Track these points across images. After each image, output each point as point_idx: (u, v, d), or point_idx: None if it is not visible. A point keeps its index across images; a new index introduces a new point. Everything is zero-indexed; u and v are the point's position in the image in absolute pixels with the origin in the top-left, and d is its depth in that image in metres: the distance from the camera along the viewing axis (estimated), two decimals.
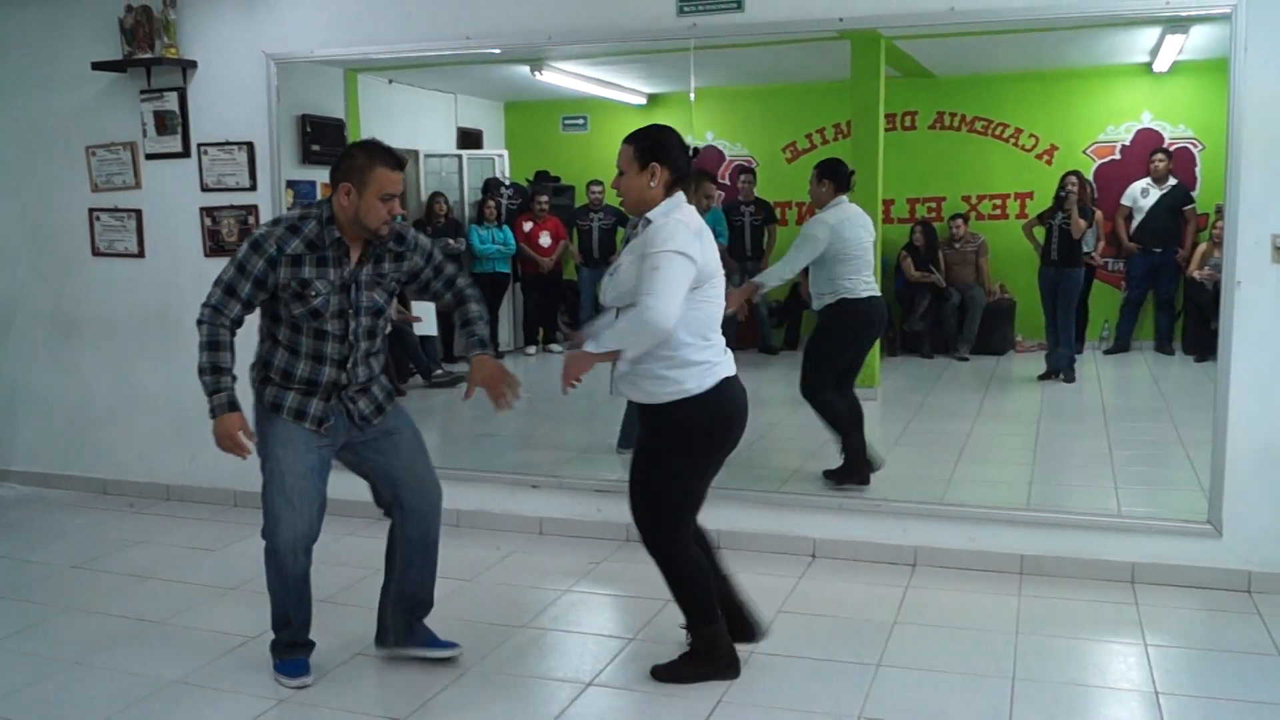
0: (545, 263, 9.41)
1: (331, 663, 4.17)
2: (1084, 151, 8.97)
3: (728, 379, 3.68)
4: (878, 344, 7.37)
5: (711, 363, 3.63)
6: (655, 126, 3.71)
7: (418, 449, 4.07)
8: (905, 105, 9.06)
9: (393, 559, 4.09)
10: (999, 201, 9.26)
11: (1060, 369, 8.02)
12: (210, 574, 5.23)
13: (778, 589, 4.82)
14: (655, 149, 3.62)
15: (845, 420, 5.72)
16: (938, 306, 9.05)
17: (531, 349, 9.75)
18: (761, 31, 5.12)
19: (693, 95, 5.58)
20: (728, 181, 9.27)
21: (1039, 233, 8.27)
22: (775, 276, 6.03)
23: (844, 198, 5.79)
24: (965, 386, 8.54)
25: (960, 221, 9.10)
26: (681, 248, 3.47)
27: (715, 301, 3.65)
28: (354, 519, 5.39)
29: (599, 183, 8.95)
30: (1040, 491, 5.73)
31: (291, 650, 4.06)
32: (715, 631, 3.89)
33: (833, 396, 5.78)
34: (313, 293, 3.75)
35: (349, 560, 5.20)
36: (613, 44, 5.69)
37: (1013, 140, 9.12)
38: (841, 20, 4.93)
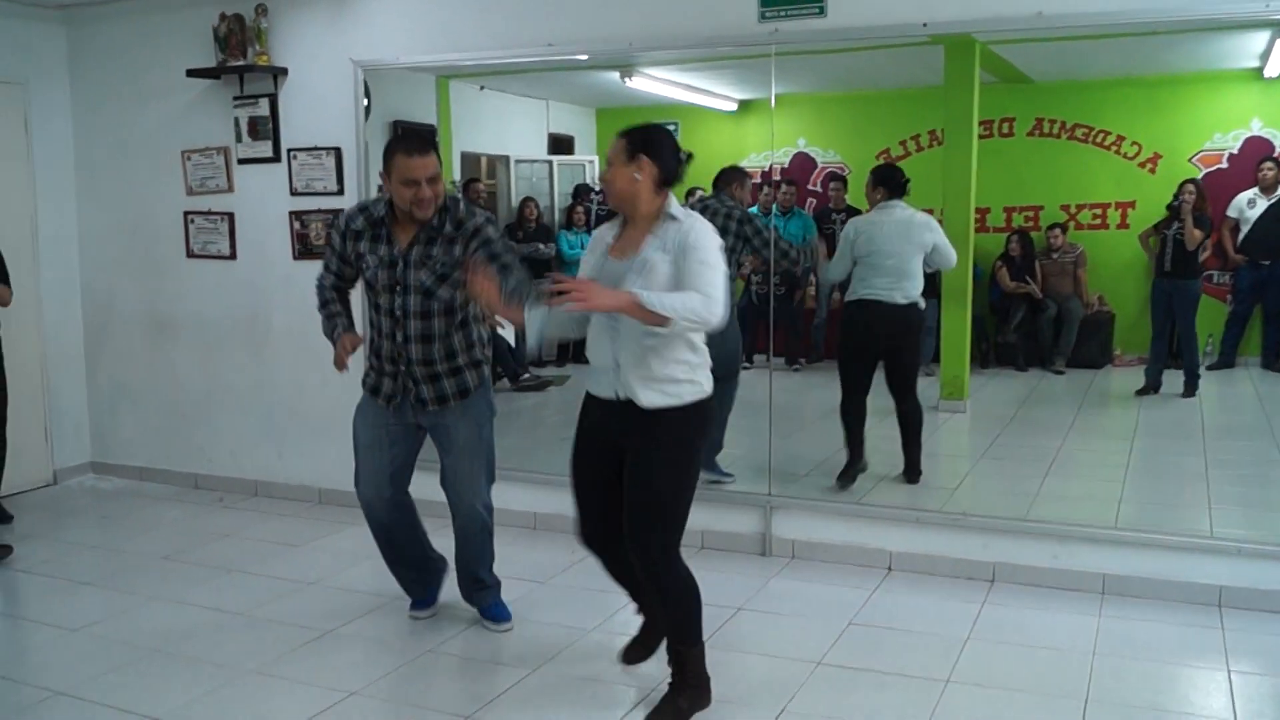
0: None
1: (402, 659, 4.25)
2: (1189, 160, 8.68)
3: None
4: (966, 355, 7.29)
5: (707, 363, 3.63)
6: (651, 125, 3.63)
7: (467, 452, 4.29)
8: (1003, 111, 8.88)
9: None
10: (1099, 211, 9.01)
11: (1158, 384, 7.81)
12: (293, 568, 5.35)
13: (851, 601, 4.76)
14: (646, 144, 3.54)
15: (846, 422, 5.94)
16: (1033, 318, 8.85)
17: None
18: (844, 37, 5.06)
19: (774, 101, 5.53)
20: (819, 188, 9.18)
21: (1154, 243, 8.05)
22: (823, 274, 6.33)
23: (897, 201, 5.95)
24: (1059, 401, 8.33)
25: (1058, 231, 8.88)
26: (716, 240, 3.49)
27: None
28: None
29: (696, 189, 8.91)
30: (1129, 510, 5.55)
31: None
32: (702, 650, 3.76)
33: (846, 399, 5.94)
34: (364, 265, 4.13)
35: None
36: (695, 50, 5.68)
37: (1114, 148, 8.87)
38: (926, 25, 4.87)
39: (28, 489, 6.75)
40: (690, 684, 3.71)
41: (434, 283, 4.08)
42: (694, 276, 3.39)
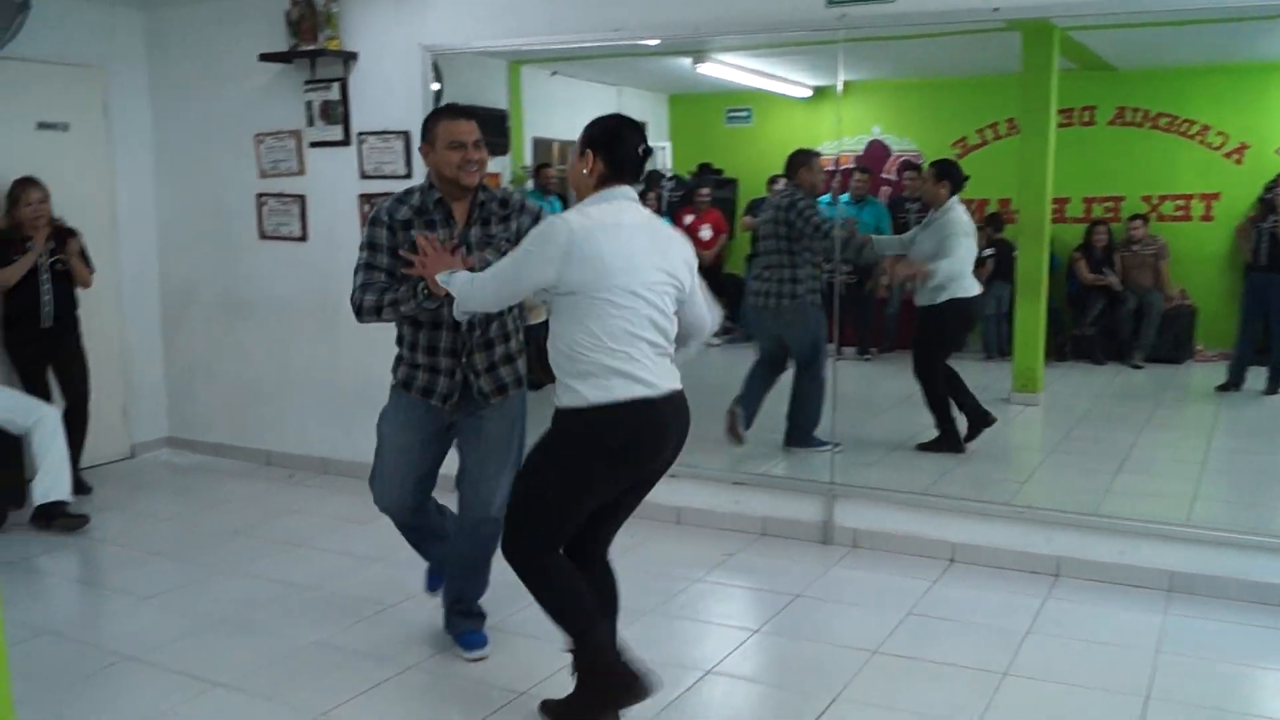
0: (705, 256, 9.36)
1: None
2: (1277, 150, 8.45)
3: (641, 400, 3.27)
4: (1040, 347, 7.22)
5: (619, 378, 3.25)
6: (611, 117, 3.42)
7: (497, 449, 3.98)
8: (1084, 100, 8.72)
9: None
10: (1182, 202, 8.81)
11: (1240, 380, 7.62)
12: (358, 544, 5.43)
13: (911, 591, 4.71)
14: (595, 138, 3.36)
15: (945, 404, 6.23)
16: (1112, 311, 8.69)
17: None
18: (913, 22, 4.98)
19: (841, 88, 5.47)
20: (894, 176, 9.09)
21: (1250, 236, 7.84)
22: (945, 273, 6.20)
23: (956, 198, 6.20)
24: (1136, 395, 8.18)
25: (1139, 222, 8.70)
26: (539, 246, 3.26)
27: (633, 310, 3.26)
28: None
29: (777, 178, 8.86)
30: (1202, 508, 5.43)
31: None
32: (591, 647, 3.43)
33: (942, 384, 6.24)
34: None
35: None
36: (762, 35, 5.64)
37: (1199, 138, 8.67)
38: (997, 10, 4.77)
39: (106, 462, 6.91)
40: (583, 679, 3.47)
41: (497, 259, 3.82)
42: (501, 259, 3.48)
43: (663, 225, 3.45)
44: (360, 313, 3.88)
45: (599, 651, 3.42)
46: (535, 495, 3.41)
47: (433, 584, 4.47)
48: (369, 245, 3.92)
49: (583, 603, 3.44)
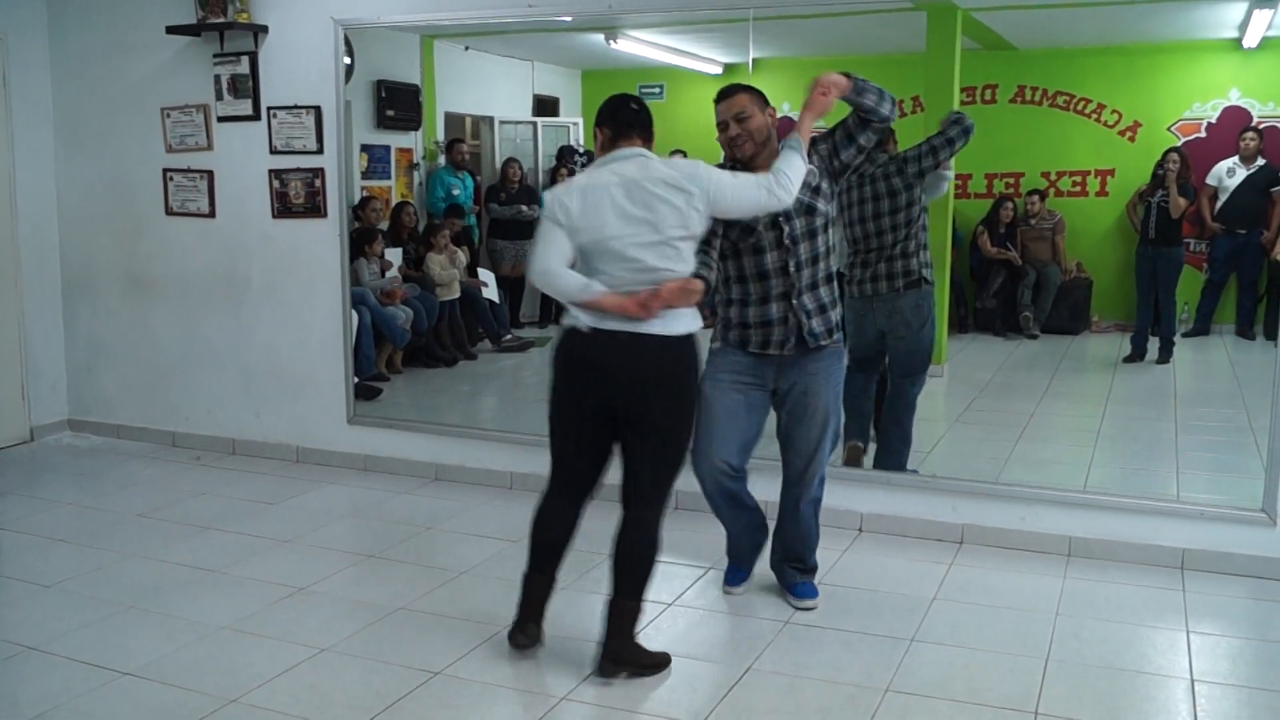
0: None
1: (374, 616, 4.29)
2: (1168, 129, 8.70)
3: (575, 329, 3.73)
4: (944, 320, 7.32)
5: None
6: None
7: (823, 419, 4.20)
8: (986, 78, 8.88)
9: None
10: (1079, 178, 9.05)
11: (1144, 351, 7.88)
12: (268, 526, 5.37)
13: (821, 561, 4.77)
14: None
15: None
16: (1012, 284, 8.91)
17: None
18: (821, 2, 5.08)
19: (751, 66, 5.54)
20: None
21: (1139, 210, 8.12)
22: None
23: None
24: (1035, 366, 8.40)
25: (1035, 198, 8.94)
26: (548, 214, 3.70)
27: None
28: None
29: (680, 152, 8.90)
30: (1098, 474, 5.63)
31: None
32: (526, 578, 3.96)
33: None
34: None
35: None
36: (675, 14, 5.68)
37: (1095, 116, 8.90)
38: None
39: (4, 446, 6.74)
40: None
41: (811, 196, 4.03)
42: None
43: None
44: None
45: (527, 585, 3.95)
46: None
47: (732, 578, 4.57)
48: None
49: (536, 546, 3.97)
